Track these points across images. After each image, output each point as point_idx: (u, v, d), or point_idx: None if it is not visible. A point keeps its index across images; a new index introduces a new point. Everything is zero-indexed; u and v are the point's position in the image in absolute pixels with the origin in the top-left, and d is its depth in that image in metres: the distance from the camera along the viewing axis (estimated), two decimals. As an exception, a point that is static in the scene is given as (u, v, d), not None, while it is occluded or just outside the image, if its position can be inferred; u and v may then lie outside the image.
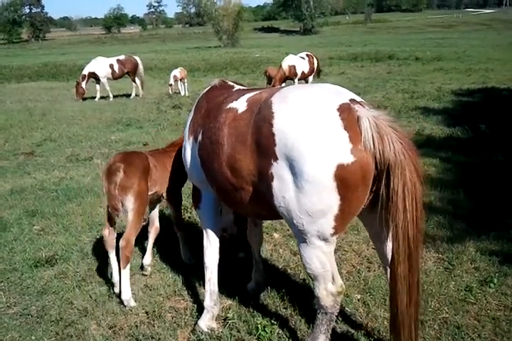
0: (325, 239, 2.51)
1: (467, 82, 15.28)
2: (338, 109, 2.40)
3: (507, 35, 45.21)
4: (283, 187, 2.48)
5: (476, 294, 3.66)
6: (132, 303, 3.76)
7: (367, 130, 2.33)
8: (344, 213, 2.42)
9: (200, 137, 3.13)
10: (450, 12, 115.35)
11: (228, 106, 2.93)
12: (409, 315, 2.48)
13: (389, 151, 2.33)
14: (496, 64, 20.13)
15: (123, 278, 3.74)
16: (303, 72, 14.06)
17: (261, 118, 2.61)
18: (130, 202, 3.63)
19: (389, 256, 2.69)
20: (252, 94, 2.92)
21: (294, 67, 13.85)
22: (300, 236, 2.58)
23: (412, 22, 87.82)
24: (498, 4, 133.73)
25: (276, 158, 2.49)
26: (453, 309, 3.50)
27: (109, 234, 3.88)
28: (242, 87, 3.42)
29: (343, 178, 2.32)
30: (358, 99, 2.56)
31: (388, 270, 2.69)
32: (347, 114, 2.38)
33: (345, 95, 2.55)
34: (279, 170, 2.48)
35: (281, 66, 13.87)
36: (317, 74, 14.95)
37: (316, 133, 2.36)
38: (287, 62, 13.91)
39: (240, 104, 2.86)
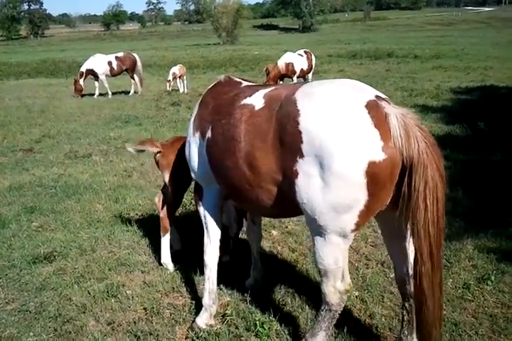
0: (344, 235, 2.51)
1: (466, 80, 15.26)
2: (366, 106, 2.39)
3: (506, 33, 45.10)
4: (308, 184, 2.46)
5: (473, 291, 3.67)
6: (171, 267, 4.21)
7: (395, 127, 2.33)
8: (369, 209, 2.43)
9: (209, 134, 3.06)
10: (449, 10, 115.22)
11: (242, 103, 2.88)
12: (435, 312, 2.48)
13: (413, 149, 2.33)
14: (494, 62, 20.10)
15: (162, 245, 4.25)
16: (302, 69, 13.76)
17: (284, 116, 2.56)
18: (165, 179, 4.17)
19: (401, 256, 2.75)
20: (266, 90, 2.87)
21: (292, 64, 13.50)
22: (318, 232, 2.56)
23: (412, 20, 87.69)
24: (497, 2, 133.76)
25: (302, 156, 2.45)
26: (450, 306, 3.51)
27: (158, 201, 4.39)
28: (250, 83, 3.35)
29: (374, 175, 2.32)
30: (383, 95, 2.54)
31: (407, 270, 2.75)
32: (375, 111, 2.37)
33: (370, 92, 2.54)
34: (305, 167, 2.45)
35: (276, 64, 13.50)
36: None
37: (347, 130, 2.34)
38: (284, 59, 13.54)
39: (256, 101, 2.81)
